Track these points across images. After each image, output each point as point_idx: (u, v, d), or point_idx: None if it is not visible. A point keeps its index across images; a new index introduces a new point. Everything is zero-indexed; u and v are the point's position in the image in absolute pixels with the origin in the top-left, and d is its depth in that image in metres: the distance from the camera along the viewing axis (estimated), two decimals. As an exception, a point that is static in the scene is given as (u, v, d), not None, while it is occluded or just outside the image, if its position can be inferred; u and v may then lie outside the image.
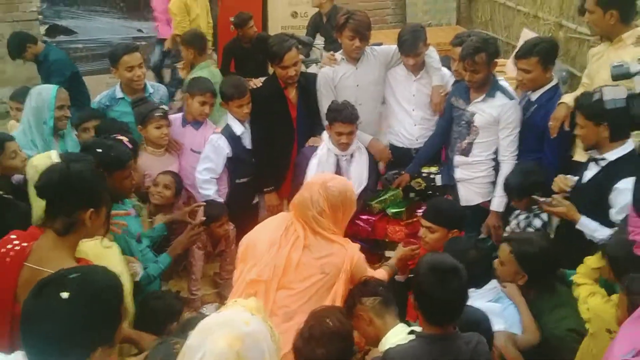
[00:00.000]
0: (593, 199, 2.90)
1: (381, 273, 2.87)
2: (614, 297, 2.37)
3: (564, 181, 3.05)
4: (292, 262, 2.47)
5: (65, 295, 1.38)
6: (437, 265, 2.01)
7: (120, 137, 3.03)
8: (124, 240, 2.71)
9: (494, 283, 2.67)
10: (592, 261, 2.62)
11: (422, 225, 3.12)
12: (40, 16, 7.24)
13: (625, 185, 2.73)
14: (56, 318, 1.37)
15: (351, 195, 2.64)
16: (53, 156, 2.25)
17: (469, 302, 2.23)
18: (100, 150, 2.68)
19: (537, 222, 3.12)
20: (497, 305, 2.60)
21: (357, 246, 2.67)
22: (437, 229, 3.04)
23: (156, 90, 4.20)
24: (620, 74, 1.83)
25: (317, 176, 2.70)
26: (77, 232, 1.92)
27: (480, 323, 2.26)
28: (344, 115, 3.58)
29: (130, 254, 2.74)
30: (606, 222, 2.82)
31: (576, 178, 3.05)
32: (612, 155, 2.87)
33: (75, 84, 4.60)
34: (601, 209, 2.84)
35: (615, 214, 2.78)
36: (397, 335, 2.30)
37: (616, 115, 2.68)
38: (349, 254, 2.53)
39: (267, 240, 2.54)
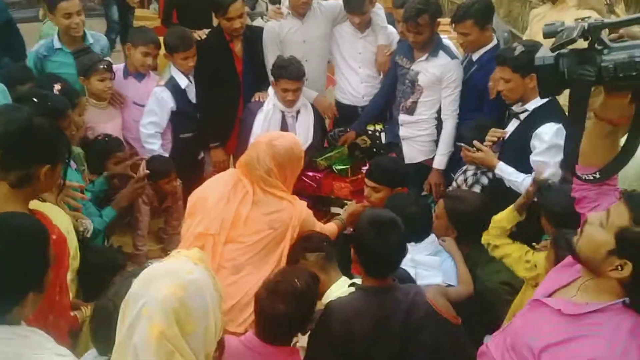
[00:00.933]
0: (517, 151, 2.99)
1: (332, 227, 2.94)
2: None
3: (493, 133, 3.12)
4: (240, 217, 2.49)
5: None
6: (375, 219, 2.07)
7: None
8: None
9: (432, 237, 2.78)
10: (505, 220, 2.67)
11: (367, 185, 3.17)
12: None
13: (544, 130, 2.86)
14: None
15: (299, 152, 2.66)
16: None
17: (409, 255, 2.31)
18: (36, 100, 2.57)
19: (484, 180, 3.18)
20: (436, 259, 2.69)
21: (304, 203, 2.71)
22: (381, 189, 3.10)
23: (96, 40, 4.02)
24: (551, 32, 1.87)
25: (263, 135, 2.69)
26: (31, 186, 1.85)
27: (404, 280, 2.31)
28: (290, 72, 3.55)
29: (73, 209, 2.68)
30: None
31: (507, 130, 3.13)
32: (532, 105, 2.97)
33: (8, 32, 4.32)
34: (525, 159, 2.94)
35: (534, 156, 2.89)
36: (341, 288, 2.37)
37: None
38: (297, 211, 2.57)
39: (216, 194, 2.55)
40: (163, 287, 1.30)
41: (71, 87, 3.29)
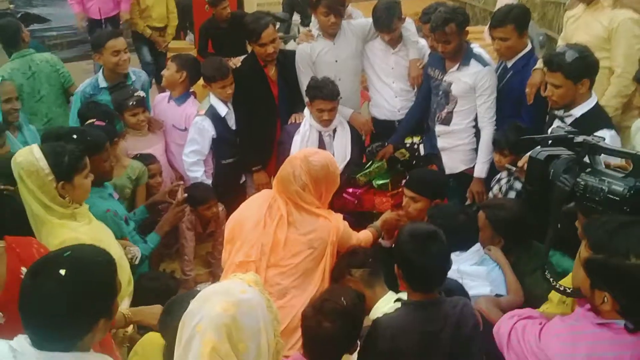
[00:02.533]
0: None
1: (366, 235, 2.93)
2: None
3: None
4: (279, 241, 2.51)
5: (62, 272, 1.43)
6: (416, 231, 2.05)
7: (96, 122, 3.10)
8: (114, 223, 2.75)
9: (477, 246, 2.75)
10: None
11: (405, 195, 3.17)
12: (11, 5, 7.11)
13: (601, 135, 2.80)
14: (57, 295, 1.43)
15: (334, 168, 2.65)
16: (35, 151, 2.27)
17: (455, 265, 2.28)
18: (75, 137, 2.71)
19: (518, 185, 3.18)
20: (482, 268, 2.66)
21: (340, 216, 2.71)
22: (420, 199, 3.09)
23: (138, 76, 4.21)
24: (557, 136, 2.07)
25: (299, 151, 2.72)
26: None
27: (454, 291, 2.29)
28: (325, 93, 3.60)
29: (121, 236, 2.79)
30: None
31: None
32: (579, 111, 2.91)
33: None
34: None
35: None
36: (387, 303, 2.36)
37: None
38: (334, 225, 2.58)
39: (252, 219, 2.57)
40: (216, 305, 1.35)
41: (111, 125, 3.46)
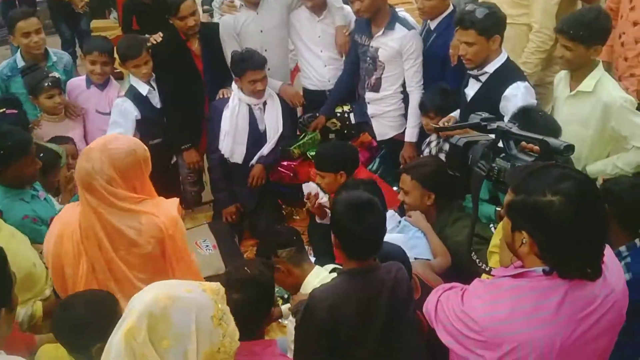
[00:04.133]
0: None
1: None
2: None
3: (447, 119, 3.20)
4: (116, 264, 2.15)
5: None
6: (353, 201, 2.04)
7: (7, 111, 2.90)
8: (32, 230, 2.56)
9: (390, 212, 2.79)
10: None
11: (316, 173, 3.26)
12: None
13: (512, 91, 2.90)
14: None
15: (142, 151, 2.18)
16: None
17: None
18: None
19: (447, 147, 3.22)
20: (400, 236, 2.69)
21: (174, 201, 2.28)
22: (325, 175, 3.17)
23: (59, 57, 4.03)
24: (473, 122, 2.19)
25: (95, 141, 2.20)
26: None
27: (398, 257, 2.30)
28: (254, 62, 3.52)
29: (42, 241, 2.62)
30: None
31: (468, 93, 3.16)
32: (492, 67, 3.01)
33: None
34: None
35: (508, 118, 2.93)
36: (318, 276, 2.39)
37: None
38: (164, 219, 2.17)
39: (70, 256, 2.15)
40: (151, 293, 1.30)
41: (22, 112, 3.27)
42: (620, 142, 2.92)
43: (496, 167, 1.85)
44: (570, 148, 1.80)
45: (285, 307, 2.38)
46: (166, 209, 2.20)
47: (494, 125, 2.00)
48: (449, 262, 2.66)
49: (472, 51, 2.97)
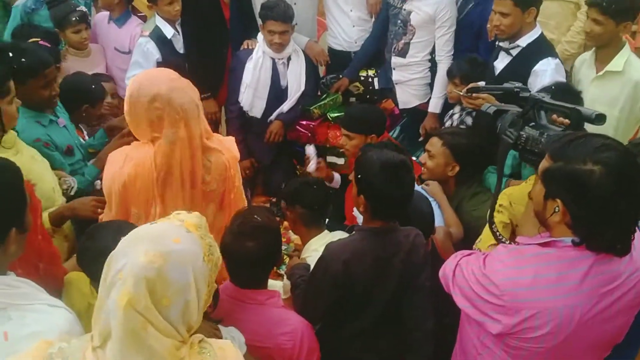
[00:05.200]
0: None
1: None
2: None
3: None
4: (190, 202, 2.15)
5: None
6: (388, 161, 1.97)
7: (40, 42, 2.81)
8: (43, 154, 2.50)
9: None
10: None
11: (342, 134, 3.18)
12: None
13: (542, 67, 2.85)
14: None
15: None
16: None
17: None
18: (11, 55, 2.44)
19: (469, 120, 3.19)
20: None
21: (231, 141, 2.29)
22: (354, 136, 3.11)
23: None
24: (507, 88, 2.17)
25: (167, 74, 2.11)
26: None
27: (425, 215, 2.32)
28: (276, 13, 3.43)
29: (55, 167, 2.59)
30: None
31: (497, 66, 3.11)
32: (524, 41, 2.96)
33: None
34: None
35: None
36: (320, 240, 2.40)
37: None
38: (226, 159, 2.20)
39: (143, 194, 2.11)
40: (141, 254, 1.22)
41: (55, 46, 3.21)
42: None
43: (524, 135, 1.81)
44: (602, 117, 1.76)
45: (286, 282, 2.35)
46: (229, 147, 2.21)
47: (527, 94, 1.97)
48: (462, 234, 2.64)
49: (506, 22, 2.92)
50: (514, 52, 2.99)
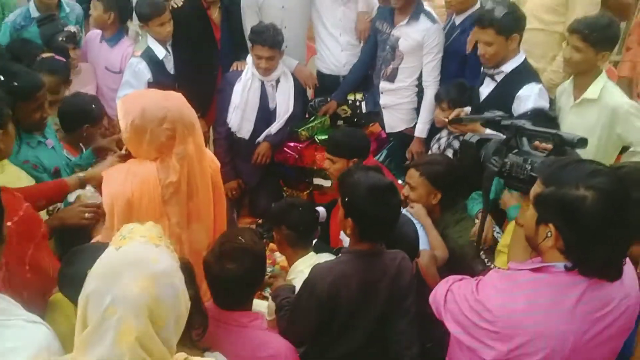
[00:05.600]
0: None
1: None
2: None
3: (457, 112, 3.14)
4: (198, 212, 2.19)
5: None
6: (375, 184, 1.99)
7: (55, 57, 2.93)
8: (32, 175, 2.50)
9: None
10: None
11: (326, 157, 3.20)
12: None
13: (526, 92, 2.89)
14: None
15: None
16: None
17: None
18: (2, 78, 2.43)
19: (456, 144, 3.21)
20: None
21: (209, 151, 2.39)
22: (337, 160, 3.12)
23: (72, 9, 3.97)
24: (488, 118, 2.22)
25: (168, 93, 2.21)
26: None
27: (410, 239, 2.33)
28: (264, 38, 3.46)
29: None
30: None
31: (482, 92, 3.15)
32: (509, 67, 2.99)
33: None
34: None
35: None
36: (308, 260, 2.40)
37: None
38: (213, 168, 2.26)
39: (151, 212, 2.09)
40: (131, 283, 1.17)
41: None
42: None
43: (508, 163, 1.83)
44: (584, 141, 1.78)
45: (271, 304, 2.34)
46: (211, 155, 2.28)
47: (508, 122, 2.00)
48: (446, 256, 2.65)
49: (490, 50, 2.96)
50: (498, 77, 3.03)
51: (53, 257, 2.06)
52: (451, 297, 1.59)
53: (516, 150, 1.88)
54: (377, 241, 2.04)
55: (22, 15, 3.75)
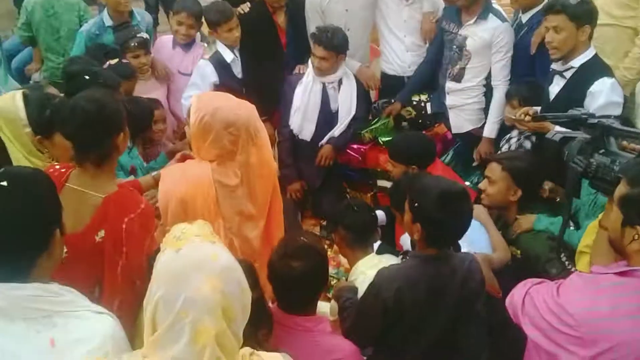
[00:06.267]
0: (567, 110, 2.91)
1: None
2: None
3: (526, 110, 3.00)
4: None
5: (4, 183, 1.35)
6: (446, 193, 1.94)
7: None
8: None
9: None
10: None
11: (388, 160, 3.23)
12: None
13: (598, 88, 2.76)
14: (4, 205, 1.34)
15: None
16: (17, 98, 2.14)
17: None
18: (87, 78, 2.59)
19: (527, 144, 3.13)
20: None
21: None
22: (396, 164, 3.12)
23: (142, 17, 4.12)
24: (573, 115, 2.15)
25: (228, 97, 2.29)
26: (112, 157, 1.92)
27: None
28: (319, 38, 3.48)
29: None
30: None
31: (552, 90, 3.02)
32: (578, 61, 2.86)
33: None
34: None
35: None
36: (367, 263, 2.40)
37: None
38: None
39: (206, 214, 2.15)
40: (201, 285, 1.20)
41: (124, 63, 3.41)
42: None
43: (594, 163, 1.75)
44: None
45: (334, 305, 2.33)
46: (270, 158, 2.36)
47: (595, 120, 1.91)
48: (508, 258, 2.56)
49: (559, 38, 2.82)
50: (568, 74, 2.90)
51: None
52: (529, 301, 1.55)
53: (603, 151, 1.81)
54: (445, 247, 2.00)
55: (96, 25, 3.93)
